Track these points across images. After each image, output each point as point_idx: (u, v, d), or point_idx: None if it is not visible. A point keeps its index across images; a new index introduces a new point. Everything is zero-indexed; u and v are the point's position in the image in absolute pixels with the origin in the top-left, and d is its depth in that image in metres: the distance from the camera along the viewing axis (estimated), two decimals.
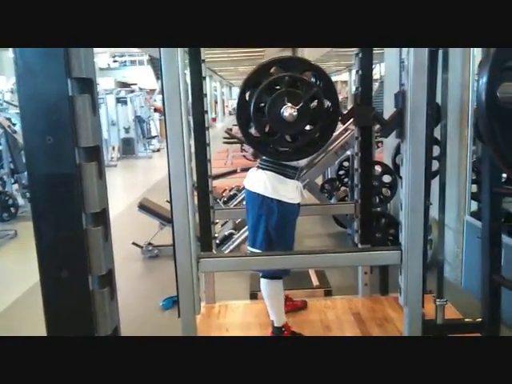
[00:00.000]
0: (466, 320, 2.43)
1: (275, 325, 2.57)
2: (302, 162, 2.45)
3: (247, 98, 1.83)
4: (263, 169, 2.39)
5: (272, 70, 1.82)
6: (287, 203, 2.36)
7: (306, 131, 1.79)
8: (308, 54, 14.37)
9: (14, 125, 6.52)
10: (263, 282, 2.53)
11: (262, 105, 1.75)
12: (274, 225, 2.36)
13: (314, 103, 1.80)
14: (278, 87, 1.76)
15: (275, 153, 1.90)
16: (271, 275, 2.49)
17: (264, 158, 2.37)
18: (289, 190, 2.38)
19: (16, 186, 6.52)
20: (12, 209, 6.01)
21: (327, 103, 1.82)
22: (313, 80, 1.85)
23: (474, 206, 3.34)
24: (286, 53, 17.96)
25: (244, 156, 8.91)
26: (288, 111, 1.69)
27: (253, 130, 1.85)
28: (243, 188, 5.72)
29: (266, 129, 1.81)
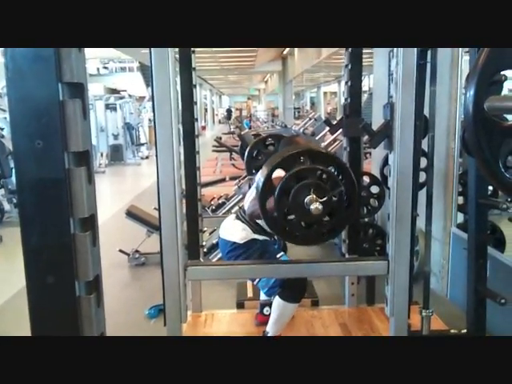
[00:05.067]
0: (452, 331, 2.44)
1: (268, 335, 2.57)
2: None
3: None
4: (242, 221, 2.54)
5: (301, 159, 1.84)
6: (258, 240, 2.49)
7: (323, 222, 1.82)
8: (298, 64, 14.50)
9: (2, 129, 6.46)
10: (279, 301, 2.52)
11: (287, 188, 1.77)
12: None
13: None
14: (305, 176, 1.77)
15: (289, 235, 1.93)
16: (290, 298, 2.50)
17: (247, 212, 2.50)
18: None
19: (2, 191, 6.46)
20: None
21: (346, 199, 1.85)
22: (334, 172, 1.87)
23: (461, 217, 3.37)
24: (276, 62, 17.78)
25: (233, 165, 8.91)
26: (314, 205, 1.70)
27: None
28: (232, 196, 5.71)
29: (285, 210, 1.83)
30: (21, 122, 0.99)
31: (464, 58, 3.14)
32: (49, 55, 0.97)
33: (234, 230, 2.55)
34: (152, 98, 1.71)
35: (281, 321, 2.57)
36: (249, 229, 2.47)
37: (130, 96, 15.23)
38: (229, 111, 29.30)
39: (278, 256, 2.49)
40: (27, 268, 1.04)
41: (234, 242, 2.50)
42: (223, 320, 3.04)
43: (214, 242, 4.44)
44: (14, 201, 5.96)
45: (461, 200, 3.35)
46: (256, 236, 2.45)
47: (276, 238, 2.62)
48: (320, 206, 1.71)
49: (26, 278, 1.04)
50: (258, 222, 2.46)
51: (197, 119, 2.87)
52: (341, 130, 3.14)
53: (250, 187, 2.56)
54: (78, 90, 1.03)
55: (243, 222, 2.52)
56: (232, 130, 15.92)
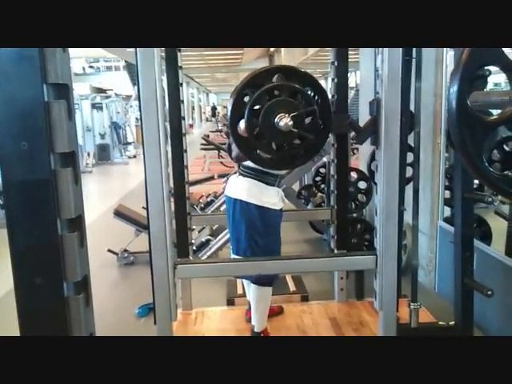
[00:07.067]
0: (440, 323, 2.47)
1: (255, 330, 2.59)
2: (283, 171, 2.50)
3: (244, 99, 1.78)
4: (244, 176, 2.44)
5: (274, 78, 1.77)
6: (269, 209, 2.41)
7: (294, 144, 1.76)
8: (285, 61, 14.48)
9: None
10: (254, 287, 2.54)
11: (258, 107, 1.71)
12: (257, 231, 2.40)
13: (308, 119, 1.77)
14: (277, 94, 1.71)
15: (258, 158, 1.87)
16: (263, 282, 2.50)
17: (245, 164, 2.42)
18: (270, 196, 2.43)
19: None
20: None
21: (320, 121, 1.80)
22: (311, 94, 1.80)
23: (447, 211, 3.40)
24: (263, 60, 17.67)
25: (221, 162, 8.90)
26: (284, 121, 1.65)
27: (240, 131, 1.79)
28: (220, 194, 5.69)
29: (255, 132, 1.76)
30: (6, 123, 0.98)
31: (449, 54, 3.16)
32: (33, 56, 0.97)
33: (237, 186, 2.46)
34: (138, 97, 1.71)
35: (261, 308, 2.58)
36: (251, 180, 2.40)
37: (116, 95, 15.12)
38: (213, 109, 29.23)
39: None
40: (15, 269, 1.03)
41: (242, 200, 2.42)
42: (213, 317, 3.04)
43: (203, 240, 4.44)
44: (0, 202, 5.90)
45: (447, 194, 3.38)
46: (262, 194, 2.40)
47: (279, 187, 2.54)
48: (290, 122, 1.64)
49: (14, 279, 1.04)
50: (247, 164, 2.40)
51: (184, 117, 2.86)
52: None
53: None
54: (63, 90, 1.03)
55: (244, 176, 2.44)
56: (220, 127, 15.89)
